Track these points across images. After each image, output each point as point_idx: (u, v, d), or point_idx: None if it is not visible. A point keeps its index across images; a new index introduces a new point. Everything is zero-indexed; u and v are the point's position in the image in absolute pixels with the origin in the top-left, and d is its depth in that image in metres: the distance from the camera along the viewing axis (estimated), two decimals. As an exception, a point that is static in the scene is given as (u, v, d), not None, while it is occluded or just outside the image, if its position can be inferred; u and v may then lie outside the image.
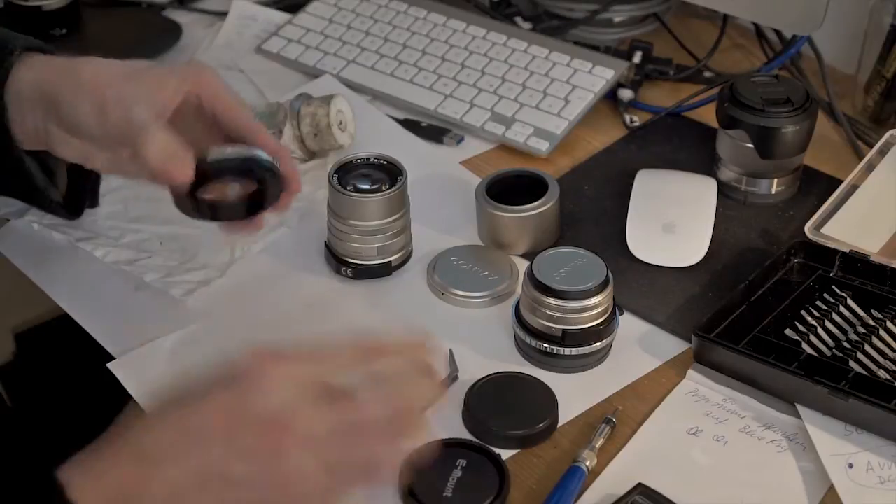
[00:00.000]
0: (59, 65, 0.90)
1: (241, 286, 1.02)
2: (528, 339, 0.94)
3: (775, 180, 1.11)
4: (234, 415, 0.67)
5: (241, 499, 0.67)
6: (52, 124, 0.90)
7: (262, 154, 0.88)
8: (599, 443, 0.88)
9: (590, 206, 1.12)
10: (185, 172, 0.86)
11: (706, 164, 1.15)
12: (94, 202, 1.05)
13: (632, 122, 1.24)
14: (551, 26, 1.36)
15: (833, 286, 0.99)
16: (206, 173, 0.87)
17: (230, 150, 0.89)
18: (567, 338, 0.93)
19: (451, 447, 0.86)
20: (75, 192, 1.00)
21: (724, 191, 1.12)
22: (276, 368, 0.68)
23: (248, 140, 0.89)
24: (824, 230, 1.02)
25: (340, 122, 1.13)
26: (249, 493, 0.66)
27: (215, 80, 0.90)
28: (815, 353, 0.93)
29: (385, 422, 0.69)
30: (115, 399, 0.93)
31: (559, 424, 0.91)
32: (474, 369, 0.94)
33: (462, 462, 0.85)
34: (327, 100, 1.12)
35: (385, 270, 1.03)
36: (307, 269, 1.05)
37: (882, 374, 0.91)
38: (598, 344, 0.94)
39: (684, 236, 1.06)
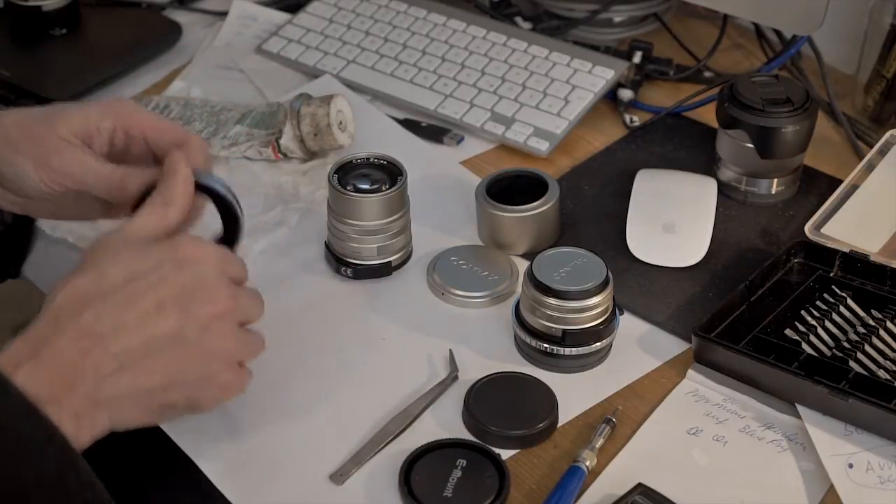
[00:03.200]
0: None
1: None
2: (528, 339, 0.94)
3: (775, 180, 1.11)
4: (185, 287, 0.78)
5: (183, 364, 0.78)
6: None
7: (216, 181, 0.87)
8: (599, 443, 0.88)
9: (590, 206, 1.12)
10: (136, 181, 0.86)
11: (706, 164, 1.15)
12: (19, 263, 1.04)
13: (632, 122, 1.24)
14: (551, 26, 1.36)
15: (833, 286, 0.99)
16: None
17: None
18: (567, 338, 0.93)
19: (451, 447, 0.86)
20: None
21: (724, 191, 1.12)
22: (211, 247, 0.81)
23: (184, 149, 0.87)
24: (824, 230, 1.02)
25: (340, 123, 1.13)
26: (190, 359, 0.78)
27: (133, 107, 0.90)
28: (815, 353, 0.93)
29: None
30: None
31: (559, 424, 0.91)
32: (474, 369, 0.94)
33: (462, 462, 0.85)
34: (327, 100, 1.12)
35: (385, 270, 1.03)
36: (307, 269, 1.05)
37: (882, 374, 0.91)
38: (598, 344, 0.94)
39: (684, 236, 1.06)
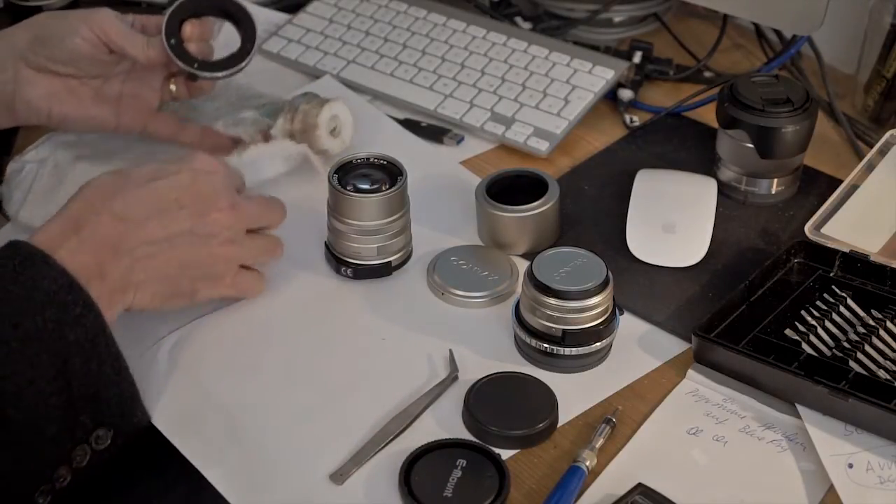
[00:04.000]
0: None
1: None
2: (528, 339, 0.94)
3: (775, 180, 1.11)
4: (199, 193, 0.92)
5: (199, 254, 0.92)
6: (27, 64, 1.02)
7: None
8: (599, 443, 0.88)
9: (590, 206, 1.12)
10: (138, 44, 1.03)
11: (706, 164, 1.15)
12: None
13: (632, 122, 1.24)
14: (551, 26, 1.36)
15: (833, 286, 0.99)
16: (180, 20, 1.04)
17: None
18: (567, 338, 0.93)
19: (451, 447, 0.86)
20: None
21: (724, 191, 1.12)
22: (220, 163, 0.96)
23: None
24: (824, 230, 1.02)
25: (334, 128, 1.12)
26: (204, 251, 0.92)
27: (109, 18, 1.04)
28: (815, 353, 0.93)
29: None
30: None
31: (559, 424, 0.91)
32: (474, 369, 0.94)
33: (462, 462, 0.85)
34: (324, 102, 1.12)
35: (385, 270, 1.03)
36: (307, 269, 1.05)
37: (882, 374, 0.91)
38: (598, 344, 0.94)
39: (684, 236, 1.06)
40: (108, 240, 0.86)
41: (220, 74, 1.06)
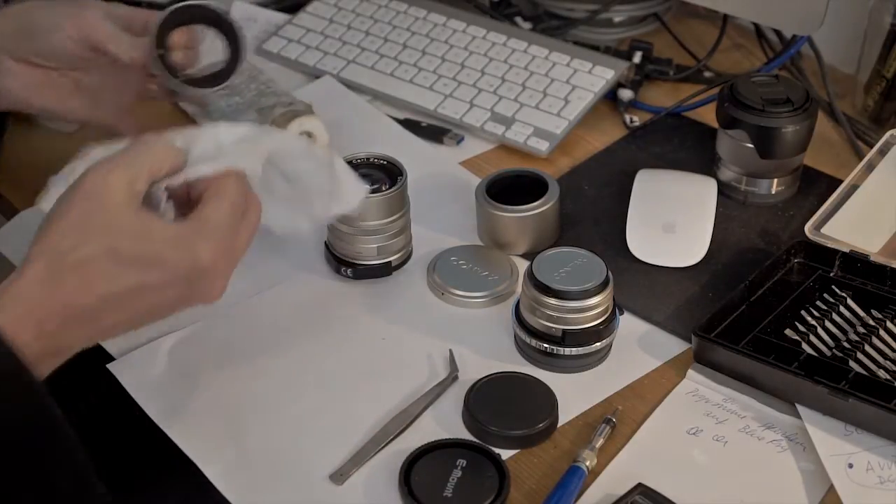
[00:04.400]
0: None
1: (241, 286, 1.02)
2: (528, 339, 0.94)
3: (775, 180, 1.11)
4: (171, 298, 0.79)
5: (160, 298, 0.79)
6: (9, 56, 1.01)
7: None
8: (599, 443, 0.88)
9: (590, 206, 1.12)
10: (123, 42, 1.00)
11: (706, 164, 1.15)
12: None
13: (632, 122, 1.24)
14: (551, 26, 1.36)
15: (833, 286, 0.99)
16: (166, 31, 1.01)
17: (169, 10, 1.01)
18: (567, 338, 0.93)
19: (451, 447, 0.86)
20: None
21: (724, 191, 1.12)
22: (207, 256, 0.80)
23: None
24: (824, 230, 1.02)
25: None
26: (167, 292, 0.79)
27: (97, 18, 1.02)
28: (815, 353, 0.93)
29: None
30: (115, 400, 0.93)
31: (559, 424, 0.91)
32: (474, 369, 0.94)
33: (462, 462, 0.85)
34: (294, 115, 1.10)
35: (385, 270, 1.03)
36: (307, 269, 1.05)
37: (882, 374, 0.91)
38: (598, 344, 0.94)
39: (684, 236, 1.06)
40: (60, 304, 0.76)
41: (203, 91, 1.05)
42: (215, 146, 0.84)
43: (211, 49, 1.05)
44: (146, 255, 0.77)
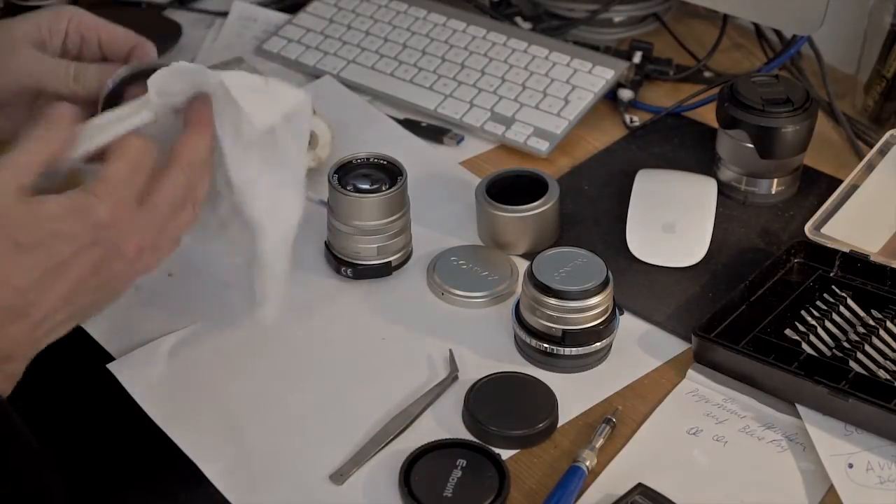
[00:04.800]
0: None
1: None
2: (528, 339, 0.94)
3: (775, 180, 1.11)
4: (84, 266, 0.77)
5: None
6: None
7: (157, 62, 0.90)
8: (599, 443, 0.88)
9: (590, 206, 1.12)
10: (91, 75, 0.89)
11: (706, 164, 1.15)
12: None
13: (632, 122, 1.24)
14: (551, 26, 1.36)
15: (833, 286, 0.99)
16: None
17: (124, 69, 0.89)
18: (567, 338, 0.93)
19: (451, 447, 0.86)
20: None
21: (724, 191, 1.12)
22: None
23: (136, 53, 0.93)
24: (824, 230, 1.02)
25: (308, 142, 1.10)
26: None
27: (86, 12, 0.94)
28: (815, 353, 0.93)
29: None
30: (115, 400, 0.93)
31: (559, 424, 0.91)
32: (474, 369, 0.94)
33: (462, 462, 0.85)
34: None
35: (385, 270, 1.03)
36: (307, 269, 1.05)
37: (882, 374, 0.91)
38: (598, 344, 0.94)
39: (684, 236, 1.06)
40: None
41: None
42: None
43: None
44: (43, 233, 0.76)
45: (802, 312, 0.97)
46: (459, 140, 1.21)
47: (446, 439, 0.87)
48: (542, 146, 1.18)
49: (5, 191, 0.76)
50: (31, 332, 0.77)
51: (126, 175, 0.79)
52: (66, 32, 0.93)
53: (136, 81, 0.88)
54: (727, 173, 1.12)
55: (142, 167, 0.80)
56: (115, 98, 0.88)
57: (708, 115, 1.19)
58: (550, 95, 1.23)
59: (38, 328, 0.78)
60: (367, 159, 1.02)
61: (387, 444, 0.89)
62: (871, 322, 0.95)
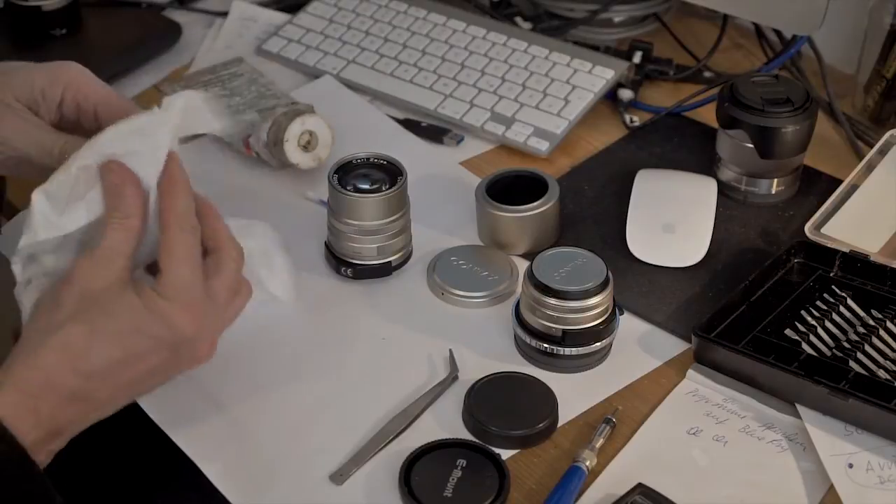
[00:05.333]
0: None
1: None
2: (528, 339, 0.94)
3: (775, 180, 1.11)
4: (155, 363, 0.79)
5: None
6: None
7: None
8: (599, 443, 0.88)
9: (590, 206, 1.12)
10: (49, 154, 0.85)
11: (706, 164, 1.15)
12: None
13: (632, 122, 1.24)
14: (551, 26, 1.36)
15: (833, 286, 0.99)
16: None
17: None
18: (567, 338, 0.93)
19: (451, 447, 0.86)
20: None
21: (724, 191, 1.12)
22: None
23: None
24: (824, 230, 1.02)
25: (308, 143, 1.10)
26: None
27: (83, 75, 0.89)
28: (815, 353, 0.93)
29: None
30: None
31: (559, 424, 0.91)
32: (474, 369, 0.94)
33: (462, 462, 0.85)
34: (297, 114, 1.10)
35: (385, 270, 1.03)
36: (307, 269, 1.05)
37: (882, 374, 0.91)
38: (598, 344, 0.94)
39: (684, 236, 1.06)
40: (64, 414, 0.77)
41: None
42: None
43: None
44: (124, 326, 0.77)
45: (802, 312, 0.97)
46: (459, 140, 1.21)
47: (446, 439, 0.87)
48: (542, 146, 1.18)
49: (94, 276, 0.78)
50: (86, 413, 0.79)
51: (190, 278, 0.80)
52: (62, 98, 0.89)
53: None
54: (727, 173, 1.12)
55: (196, 261, 0.81)
56: None
57: (708, 115, 1.19)
58: (550, 95, 1.23)
59: (94, 411, 0.79)
60: (367, 159, 1.02)
61: (387, 444, 0.89)
62: (871, 322, 0.95)
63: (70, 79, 0.88)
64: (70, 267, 0.79)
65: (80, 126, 0.89)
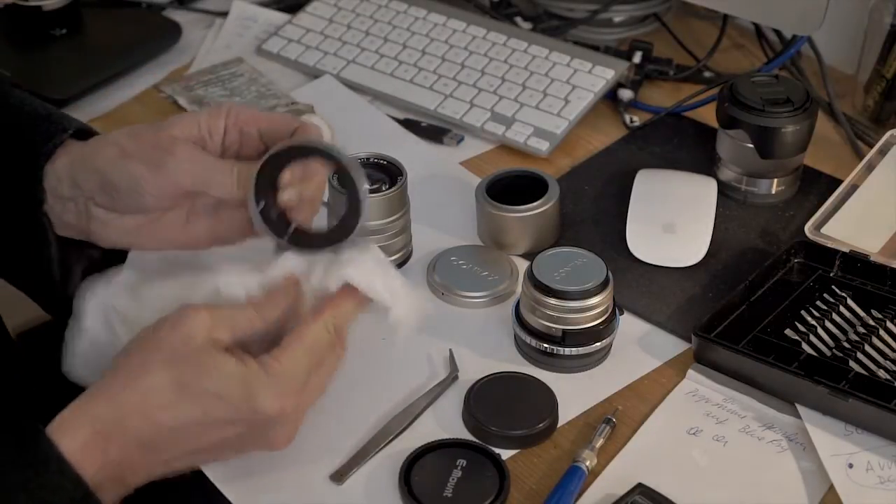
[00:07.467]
0: (92, 142, 0.89)
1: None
2: (528, 339, 0.94)
3: (775, 180, 1.11)
4: (251, 437, 0.79)
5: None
6: (96, 205, 0.88)
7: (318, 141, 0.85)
8: (599, 443, 0.88)
9: (590, 206, 1.12)
10: (224, 182, 0.84)
11: (706, 164, 1.15)
12: None
13: (632, 122, 1.24)
14: (551, 26, 1.36)
15: (833, 286, 0.99)
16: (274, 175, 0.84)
17: (280, 145, 0.84)
18: (567, 338, 0.93)
19: (451, 447, 0.86)
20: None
21: (724, 191, 1.12)
22: (289, 402, 0.79)
23: (296, 137, 0.87)
24: (824, 230, 1.02)
25: None
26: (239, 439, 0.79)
27: (240, 105, 0.90)
28: (815, 353, 0.93)
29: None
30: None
31: (559, 424, 0.91)
32: (474, 369, 0.94)
33: (462, 462, 0.85)
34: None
35: (385, 270, 1.03)
36: (307, 269, 1.04)
37: (882, 374, 0.91)
38: (598, 344, 0.94)
39: (684, 236, 1.06)
40: (132, 461, 0.77)
41: (312, 252, 0.85)
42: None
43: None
44: (209, 387, 0.77)
45: (802, 312, 0.97)
46: (459, 140, 1.21)
47: (446, 439, 0.87)
48: (542, 146, 1.18)
49: (197, 332, 0.77)
50: (150, 467, 0.78)
51: (303, 367, 0.79)
52: (226, 128, 0.87)
53: (292, 160, 0.83)
54: (727, 173, 1.12)
55: (317, 359, 0.81)
56: (269, 173, 0.83)
57: (708, 115, 1.19)
58: (550, 95, 1.23)
59: (159, 465, 0.79)
60: (367, 159, 1.02)
61: (387, 444, 0.89)
62: (871, 322, 0.95)
63: (230, 108, 0.88)
64: (180, 314, 0.78)
65: (242, 153, 0.88)
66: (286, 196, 0.83)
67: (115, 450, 0.76)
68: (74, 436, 0.75)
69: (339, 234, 0.85)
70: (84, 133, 0.91)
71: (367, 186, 0.85)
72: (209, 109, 0.88)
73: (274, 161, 0.83)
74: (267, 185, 0.83)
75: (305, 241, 0.85)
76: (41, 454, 0.73)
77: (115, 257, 0.93)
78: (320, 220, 1.04)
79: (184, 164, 0.84)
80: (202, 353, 0.77)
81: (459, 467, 0.85)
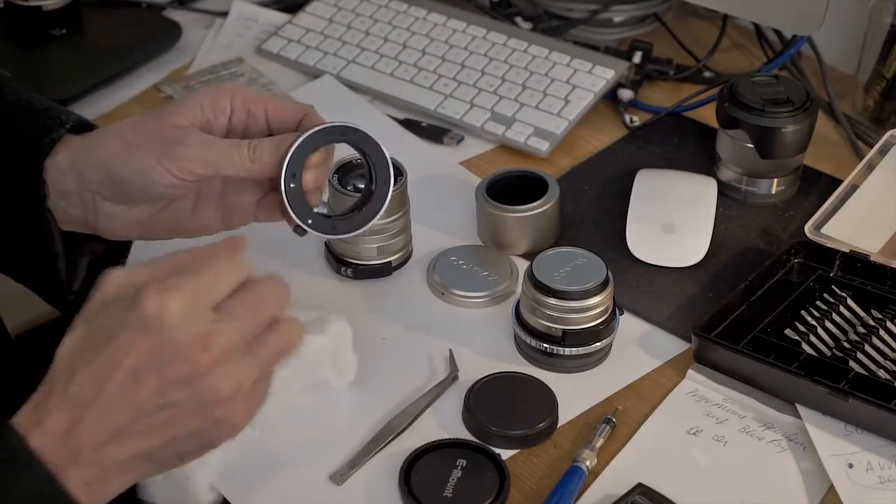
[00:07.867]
0: (92, 135, 0.88)
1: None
2: (528, 339, 0.94)
3: (775, 180, 1.11)
4: (153, 350, 0.69)
5: (179, 421, 0.71)
6: (103, 198, 0.87)
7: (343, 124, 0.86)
8: (599, 443, 0.88)
9: (590, 206, 1.12)
10: (269, 150, 0.83)
11: (706, 164, 1.15)
12: None
13: (632, 122, 1.24)
14: (551, 26, 1.36)
15: (833, 286, 0.99)
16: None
17: (306, 133, 0.84)
18: (567, 338, 0.93)
19: (451, 447, 0.86)
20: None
21: (724, 191, 1.12)
22: (173, 300, 0.70)
23: (305, 122, 0.87)
24: (824, 230, 1.02)
25: None
26: (185, 414, 0.71)
27: (242, 86, 0.89)
28: (815, 353, 0.93)
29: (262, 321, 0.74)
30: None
31: (559, 424, 0.91)
32: (474, 369, 0.94)
33: (462, 462, 0.85)
34: None
35: (385, 270, 1.03)
36: (307, 269, 1.05)
37: (882, 374, 0.91)
38: (598, 344, 0.94)
39: (684, 236, 1.06)
40: (66, 428, 0.70)
41: (335, 236, 0.89)
42: None
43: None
44: (108, 311, 0.71)
45: (802, 312, 0.97)
46: (459, 140, 1.21)
47: (446, 439, 0.87)
48: (542, 146, 1.18)
49: (110, 283, 0.72)
50: (97, 430, 0.70)
51: (209, 302, 0.72)
52: (232, 109, 0.86)
53: (315, 146, 0.84)
54: (727, 173, 1.12)
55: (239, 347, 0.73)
56: (299, 155, 0.84)
57: (708, 115, 1.19)
58: (550, 95, 1.23)
59: (113, 436, 0.71)
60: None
61: (387, 444, 0.89)
62: (871, 322, 0.95)
63: (234, 89, 0.87)
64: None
65: (247, 134, 0.87)
66: (309, 178, 0.84)
67: (54, 414, 0.69)
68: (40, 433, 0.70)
69: (361, 220, 0.88)
70: (83, 126, 0.90)
71: (392, 175, 0.88)
72: (210, 89, 0.87)
73: (307, 142, 0.83)
74: (297, 166, 0.83)
75: (327, 225, 0.87)
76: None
77: (119, 250, 0.93)
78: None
79: (194, 150, 0.84)
80: (106, 296, 0.72)
81: (459, 467, 0.85)
